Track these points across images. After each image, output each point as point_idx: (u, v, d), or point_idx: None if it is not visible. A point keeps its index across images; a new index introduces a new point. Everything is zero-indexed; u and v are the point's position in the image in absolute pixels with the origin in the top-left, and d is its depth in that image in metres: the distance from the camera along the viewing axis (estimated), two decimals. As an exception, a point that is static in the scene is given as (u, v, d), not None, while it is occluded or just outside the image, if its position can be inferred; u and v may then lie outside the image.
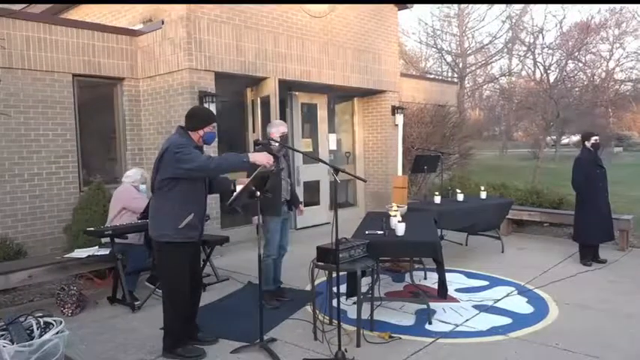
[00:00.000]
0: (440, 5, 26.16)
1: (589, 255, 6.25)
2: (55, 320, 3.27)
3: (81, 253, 5.13)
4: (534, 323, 4.36)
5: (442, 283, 4.49)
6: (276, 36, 7.94)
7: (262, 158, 3.64)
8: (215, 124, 3.85)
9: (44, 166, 6.55)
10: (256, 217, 4.05)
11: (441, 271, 4.46)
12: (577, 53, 18.38)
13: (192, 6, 6.86)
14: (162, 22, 7.13)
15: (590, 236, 6.24)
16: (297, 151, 5.34)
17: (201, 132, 3.76)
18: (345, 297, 4.39)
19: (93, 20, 7.95)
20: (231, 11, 7.33)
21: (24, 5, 9.00)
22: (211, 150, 6.84)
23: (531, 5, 24.00)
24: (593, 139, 6.30)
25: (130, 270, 5.10)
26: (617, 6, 24.77)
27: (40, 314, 3.31)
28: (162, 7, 7.14)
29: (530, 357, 3.72)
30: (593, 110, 18.11)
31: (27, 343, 3.03)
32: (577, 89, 16.60)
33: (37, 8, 8.89)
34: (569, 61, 17.94)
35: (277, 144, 4.69)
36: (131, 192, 5.44)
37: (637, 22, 24.95)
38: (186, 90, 6.90)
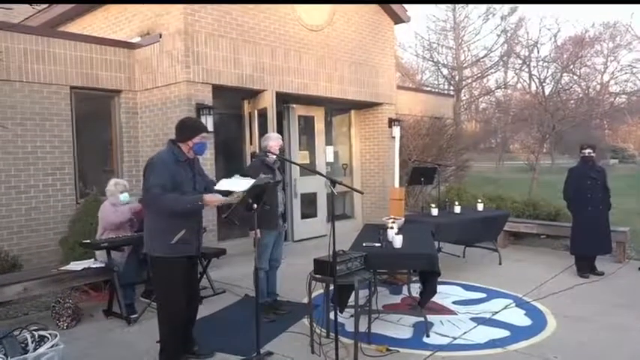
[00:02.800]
0: (436, 19, 26.40)
1: (586, 267, 6.26)
2: (49, 334, 3.25)
3: (76, 265, 5.10)
4: (532, 336, 4.35)
5: (432, 292, 4.49)
6: (273, 49, 8.00)
7: (213, 200, 3.62)
8: (205, 134, 3.80)
9: (40, 178, 6.53)
10: (256, 231, 4.02)
11: (433, 283, 4.46)
12: (572, 66, 18.57)
13: (190, 19, 6.90)
14: (160, 36, 7.17)
15: (579, 247, 6.28)
16: (295, 163, 5.36)
17: (190, 143, 3.73)
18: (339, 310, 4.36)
19: (91, 33, 7.99)
20: (229, 25, 7.38)
21: (26, 17, 9.06)
22: (208, 162, 6.85)
23: (526, 19, 24.25)
24: (586, 151, 6.35)
25: (122, 282, 5.03)
26: (611, 20, 25.06)
27: (35, 327, 3.29)
28: (160, 21, 7.19)
29: (528, 370, 3.71)
30: (588, 122, 18.24)
31: (21, 357, 3.00)
32: (572, 102, 16.74)
33: (35, 21, 8.93)
34: (564, 74, 18.12)
35: (274, 156, 4.71)
36: (105, 210, 5.31)
37: (631, 35, 25.26)
38: (184, 102, 6.92)
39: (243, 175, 3.88)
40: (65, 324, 4.70)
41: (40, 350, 3.08)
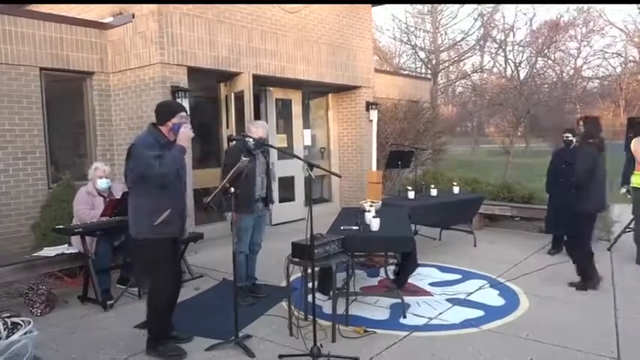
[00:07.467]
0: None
1: (558, 246, 6.45)
2: (23, 320, 3.19)
3: (50, 251, 5.00)
4: (505, 315, 4.45)
5: (405, 275, 4.61)
6: (250, 31, 7.88)
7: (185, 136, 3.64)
8: (183, 114, 3.74)
9: (10, 162, 6.35)
10: (231, 214, 4.00)
11: (410, 266, 4.54)
12: (546, 50, 18.80)
13: (164, -1, 6.74)
14: (133, 16, 6.99)
15: (549, 227, 6.56)
16: (272, 147, 5.31)
17: (169, 124, 3.68)
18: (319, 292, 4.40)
19: (60, 12, 7.74)
20: (204, 5, 7.23)
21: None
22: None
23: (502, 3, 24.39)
24: (564, 135, 6.48)
25: (97, 268, 4.94)
26: (585, 5, 25.39)
27: (8, 314, 3.23)
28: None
29: (501, 348, 3.79)
30: (562, 107, 18.57)
31: (-7, 344, 2.94)
32: (546, 86, 17.00)
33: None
34: (539, 59, 18.35)
35: (252, 141, 4.66)
36: (77, 202, 5.13)
37: (603, 20, 25.67)
38: (158, 85, 6.78)
39: (226, 159, 3.88)
40: (39, 310, 4.62)
41: (14, 337, 3.02)
